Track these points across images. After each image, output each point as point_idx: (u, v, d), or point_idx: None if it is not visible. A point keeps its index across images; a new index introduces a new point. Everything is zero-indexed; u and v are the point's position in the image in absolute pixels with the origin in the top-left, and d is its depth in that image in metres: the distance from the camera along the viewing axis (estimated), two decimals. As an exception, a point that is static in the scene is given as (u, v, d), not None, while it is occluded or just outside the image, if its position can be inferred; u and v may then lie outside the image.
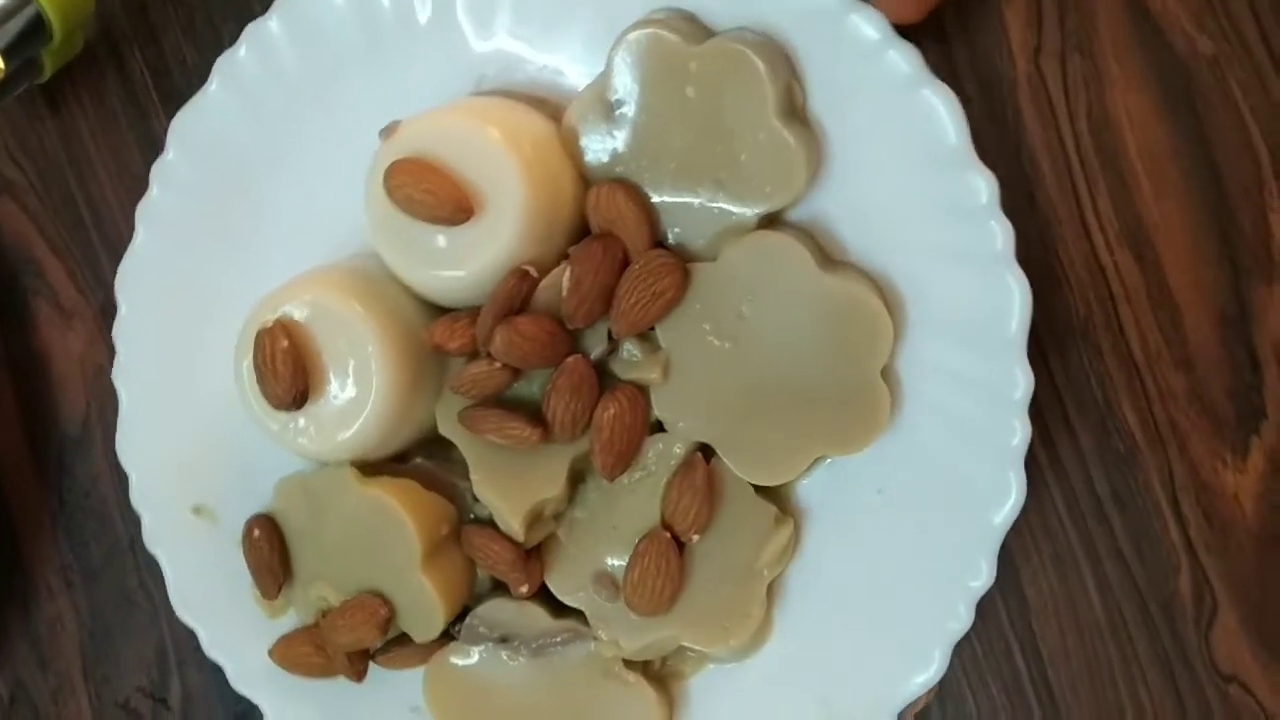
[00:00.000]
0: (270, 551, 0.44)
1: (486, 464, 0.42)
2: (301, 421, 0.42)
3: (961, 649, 0.43)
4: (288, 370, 0.41)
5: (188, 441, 0.47)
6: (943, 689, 0.44)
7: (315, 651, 0.45)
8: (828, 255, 0.40)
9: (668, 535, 0.41)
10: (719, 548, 0.42)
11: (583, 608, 0.43)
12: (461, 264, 0.40)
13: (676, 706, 0.44)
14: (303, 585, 0.45)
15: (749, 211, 0.40)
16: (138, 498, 0.47)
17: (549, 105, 0.43)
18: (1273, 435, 0.41)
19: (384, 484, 0.43)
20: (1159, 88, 0.41)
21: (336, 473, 0.43)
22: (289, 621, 0.46)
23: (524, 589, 0.43)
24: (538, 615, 0.43)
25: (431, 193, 0.39)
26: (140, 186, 0.46)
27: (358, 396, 0.41)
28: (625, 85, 0.40)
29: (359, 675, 0.45)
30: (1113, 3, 0.41)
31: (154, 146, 0.47)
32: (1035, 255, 0.42)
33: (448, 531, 0.43)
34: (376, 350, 0.41)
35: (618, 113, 0.40)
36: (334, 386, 0.42)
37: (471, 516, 0.44)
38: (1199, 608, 0.41)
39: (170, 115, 0.46)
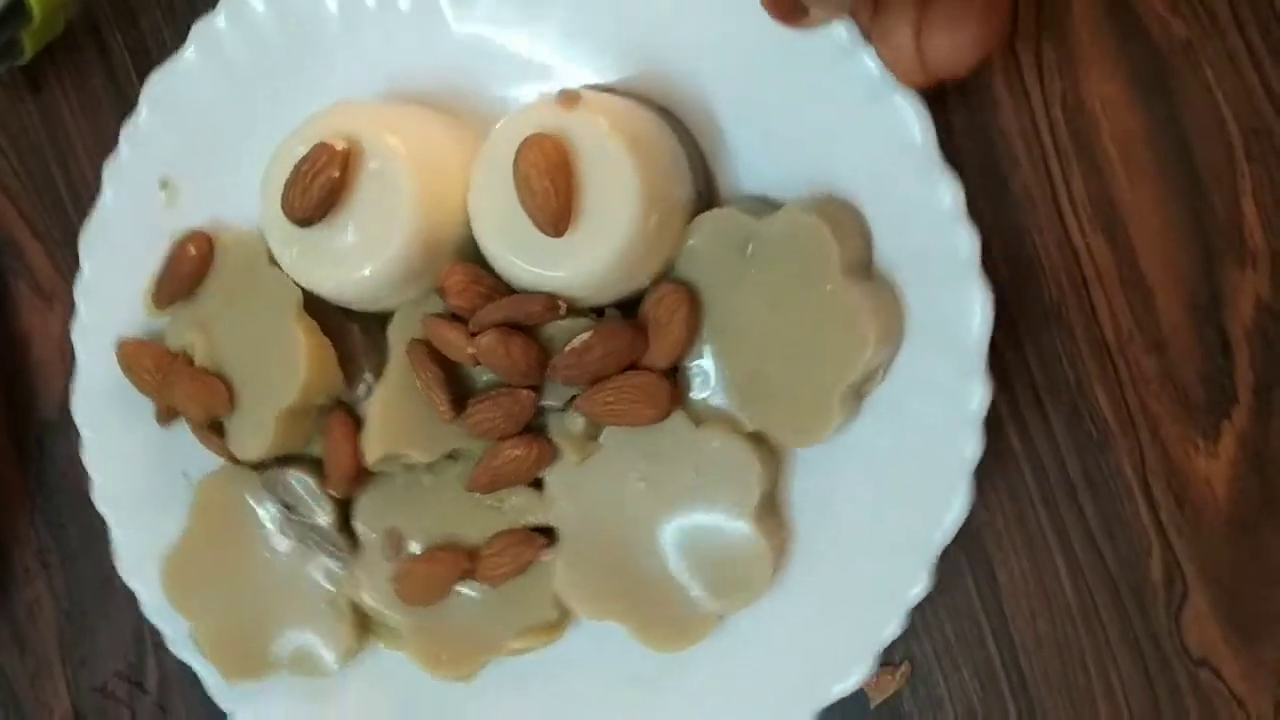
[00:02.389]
0: (188, 274, 0.45)
1: (397, 387, 0.42)
2: (296, 234, 0.41)
3: (933, 634, 0.43)
4: (319, 195, 0.40)
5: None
6: (914, 673, 0.44)
7: (153, 370, 0.45)
8: (771, 499, 0.41)
9: (466, 565, 0.43)
10: (491, 606, 0.44)
11: (361, 541, 0.45)
12: (519, 251, 0.39)
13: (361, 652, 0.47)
14: (187, 318, 0.45)
15: (750, 424, 0.40)
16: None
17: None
18: (1244, 419, 0.40)
19: (309, 330, 0.42)
20: (1132, 72, 0.41)
21: (287, 289, 0.42)
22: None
23: (334, 493, 0.44)
24: (326, 514, 0.45)
25: (547, 192, 0.38)
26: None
27: (352, 260, 0.40)
28: (768, 245, 0.39)
29: (164, 421, 0.46)
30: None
31: (134, 128, 0.47)
32: (1009, 239, 0.42)
33: (323, 404, 0.44)
34: (401, 243, 0.40)
35: (744, 254, 0.39)
36: (341, 236, 0.41)
37: (352, 401, 0.44)
38: (1170, 591, 0.41)
39: (151, 96, 0.46)
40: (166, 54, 0.49)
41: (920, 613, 0.43)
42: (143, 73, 0.50)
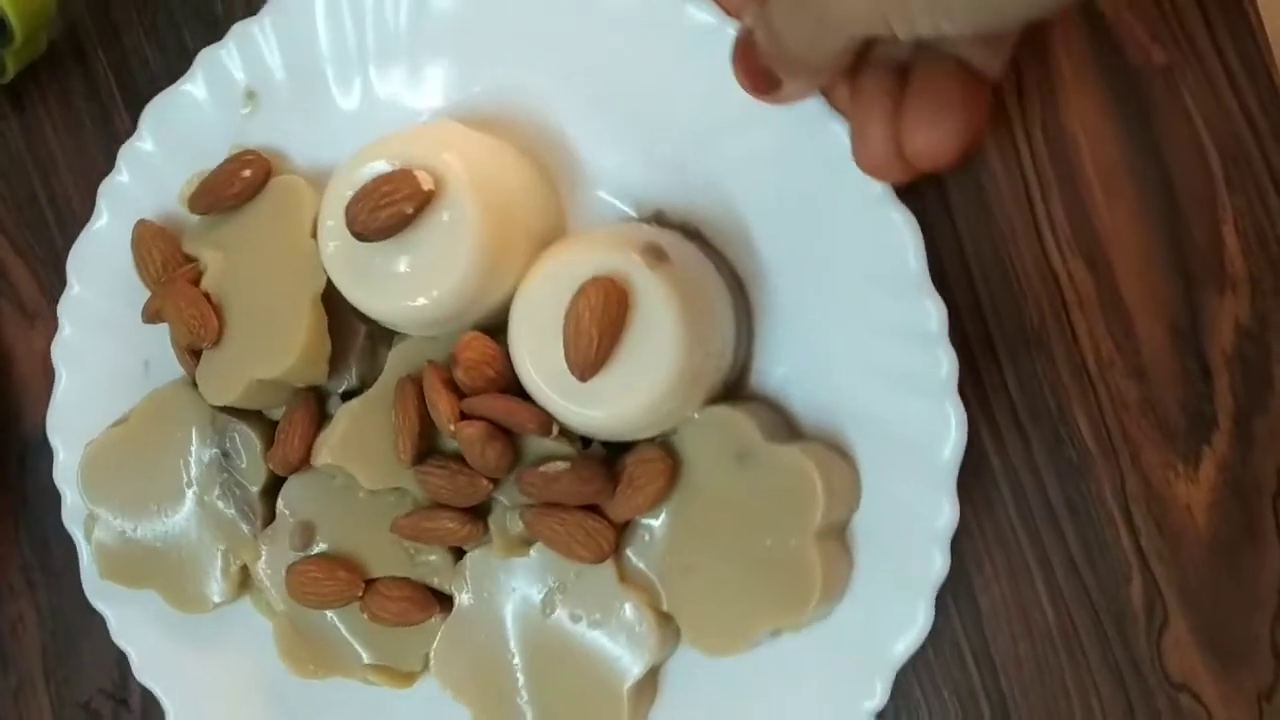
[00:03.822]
0: (232, 194, 0.43)
1: (374, 408, 0.42)
2: (345, 235, 0.39)
3: (915, 656, 0.43)
4: (384, 222, 0.38)
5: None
6: (895, 696, 0.43)
7: (159, 265, 0.45)
8: (655, 672, 0.42)
9: (359, 593, 0.43)
10: (363, 631, 0.44)
11: (276, 518, 0.45)
12: (539, 365, 0.39)
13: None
14: (213, 234, 0.44)
15: (667, 605, 0.40)
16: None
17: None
18: (1224, 445, 0.40)
19: (317, 321, 0.41)
20: (1113, 97, 0.41)
21: (315, 271, 0.41)
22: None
23: (272, 467, 0.44)
24: (256, 481, 0.45)
25: (590, 341, 0.37)
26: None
27: (386, 287, 0.39)
28: (762, 470, 0.39)
29: (149, 319, 0.45)
30: (1067, 12, 0.41)
31: (117, 146, 0.47)
32: (989, 262, 0.42)
33: (300, 388, 0.43)
34: (440, 298, 0.39)
35: (739, 462, 0.39)
36: (386, 261, 0.39)
37: (327, 390, 0.44)
38: (1150, 617, 0.41)
39: (133, 115, 0.46)
40: (150, 72, 0.49)
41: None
42: (126, 90, 0.50)
